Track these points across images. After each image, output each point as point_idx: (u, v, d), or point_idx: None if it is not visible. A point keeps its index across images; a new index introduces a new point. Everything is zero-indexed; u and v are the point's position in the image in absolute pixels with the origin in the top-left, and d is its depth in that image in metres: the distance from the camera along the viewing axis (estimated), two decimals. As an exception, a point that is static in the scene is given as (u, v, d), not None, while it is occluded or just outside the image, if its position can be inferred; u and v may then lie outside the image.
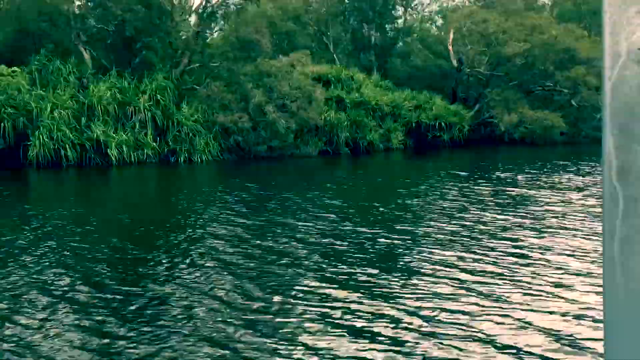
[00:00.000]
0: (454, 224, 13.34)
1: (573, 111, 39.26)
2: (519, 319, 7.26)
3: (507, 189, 19.07)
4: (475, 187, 19.71)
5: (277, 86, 25.62)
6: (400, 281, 9.02)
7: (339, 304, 7.86)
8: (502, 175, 23.42)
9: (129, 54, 27.23)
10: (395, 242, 11.61)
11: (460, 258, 10.33)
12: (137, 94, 24.60)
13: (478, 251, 10.81)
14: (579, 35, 40.50)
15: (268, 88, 25.82)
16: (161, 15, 26.25)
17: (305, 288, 8.68)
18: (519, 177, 22.19)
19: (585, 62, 37.14)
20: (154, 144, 24.16)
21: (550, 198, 16.89)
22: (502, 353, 6.37)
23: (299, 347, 6.47)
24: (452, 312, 7.54)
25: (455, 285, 8.79)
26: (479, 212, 14.90)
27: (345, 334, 6.83)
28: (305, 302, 8.01)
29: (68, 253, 10.91)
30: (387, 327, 7.05)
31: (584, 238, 11.75)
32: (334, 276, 9.30)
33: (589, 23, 53.68)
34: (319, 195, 17.40)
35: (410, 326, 7.06)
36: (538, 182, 20.46)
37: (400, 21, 46.32)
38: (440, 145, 35.94)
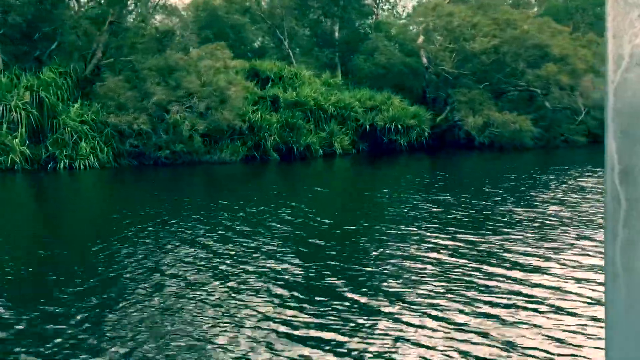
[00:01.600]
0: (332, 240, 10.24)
1: (548, 113, 35.88)
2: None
3: (430, 207, 15.88)
4: (384, 200, 16.58)
5: (182, 82, 22.52)
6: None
7: None
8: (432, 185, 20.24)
9: (29, 47, 24.32)
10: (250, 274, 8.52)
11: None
12: (10, 91, 21.50)
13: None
14: (557, 31, 37.09)
15: (174, 85, 22.74)
16: (55, 2, 23.27)
17: None
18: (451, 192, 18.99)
19: (559, 59, 33.72)
20: (23, 148, 20.89)
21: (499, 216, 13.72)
22: None
23: None
24: None
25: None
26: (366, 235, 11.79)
27: None
28: None
29: None
30: None
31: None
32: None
33: (577, 20, 50.46)
34: (184, 213, 14.36)
35: None
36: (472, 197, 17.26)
37: (368, 16, 43.23)
38: (397, 150, 32.74)
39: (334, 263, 9.85)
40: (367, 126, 32.29)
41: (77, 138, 21.83)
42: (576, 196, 17.18)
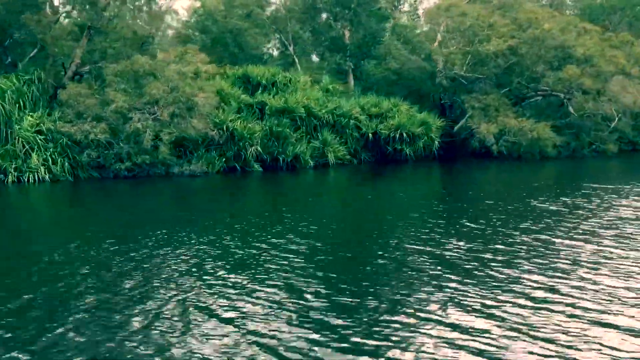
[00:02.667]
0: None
1: (575, 120, 32.75)
2: None
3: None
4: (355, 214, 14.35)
5: (147, 88, 20.80)
6: None
7: None
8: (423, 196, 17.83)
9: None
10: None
11: None
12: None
13: None
14: (585, 30, 33.98)
15: (138, 91, 21.06)
16: (26, 2, 22.02)
17: None
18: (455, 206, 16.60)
19: (583, 61, 30.64)
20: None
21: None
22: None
23: None
24: None
25: None
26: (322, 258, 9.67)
27: None
28: None
29: None
30: None
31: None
32: None
33: (614, 20, 46.85)
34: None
35: None
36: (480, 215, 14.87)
37: (384, 19, 40.91)
38: (402, 160, 30.33)
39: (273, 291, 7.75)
40: (370, 135, 30.01)
41: (29, 149, 20.42)
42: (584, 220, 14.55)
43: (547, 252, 10.83)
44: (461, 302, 8.03)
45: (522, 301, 8.06)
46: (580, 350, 6.53)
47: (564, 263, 10.04)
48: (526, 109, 34.19)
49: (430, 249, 11.08)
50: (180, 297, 8.28)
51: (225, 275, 9.36)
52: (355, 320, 7.37)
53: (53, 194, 19.27)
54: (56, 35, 23.20)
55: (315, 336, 6.84)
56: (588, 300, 8.14)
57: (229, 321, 7.35)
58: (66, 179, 20.90)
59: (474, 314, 7.58)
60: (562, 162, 30.98)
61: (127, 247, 11.19)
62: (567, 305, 7.90)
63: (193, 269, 9.72)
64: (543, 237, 12.08)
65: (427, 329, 7.09)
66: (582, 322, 7.31)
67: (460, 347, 6.58)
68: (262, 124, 24.79)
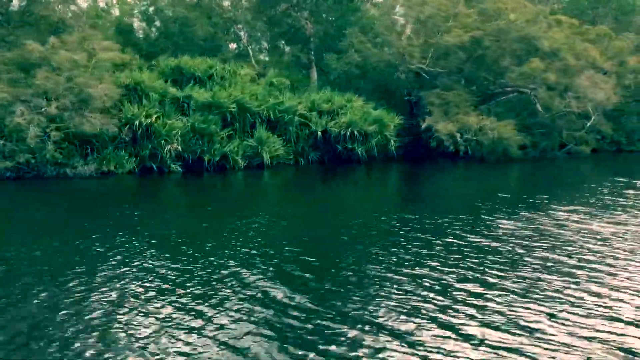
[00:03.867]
0: None
1: (544, 119, 30.30)
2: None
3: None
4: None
5: (34, 79, 18.58)
6: None
7: None
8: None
9: None
10: None
11: None
12: None
13: None
14: (557, 22, 31.56)
15: (24, 82, 18.85)
16: None
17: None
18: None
19: (550, 54, 28.18)
20: None
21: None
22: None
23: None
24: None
25: None
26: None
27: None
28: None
29: None
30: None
31: None
32: None
33: (600, 13, 44.27)
34: None
35: None
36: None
37: (351, 10, 38.53)
38: (354, 160, 28.05)
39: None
40: (320, 133, 27.72)
41: None
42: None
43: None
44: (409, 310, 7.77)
45: (460, 306, 7.88)
46: None
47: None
48: (496, 107, 31.82)
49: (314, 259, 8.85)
50: None
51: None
52: None
53: None
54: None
55: None
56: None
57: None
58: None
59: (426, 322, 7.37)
60: (529, 164, 28.60)
61: None
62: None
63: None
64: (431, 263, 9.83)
65: (374, 337, 6.91)
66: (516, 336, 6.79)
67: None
68: (185, 120, 22.53)
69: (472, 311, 7.74)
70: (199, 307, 7.76)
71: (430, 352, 6.56)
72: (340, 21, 37.36)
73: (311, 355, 6.37)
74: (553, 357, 6.42)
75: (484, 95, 31.76)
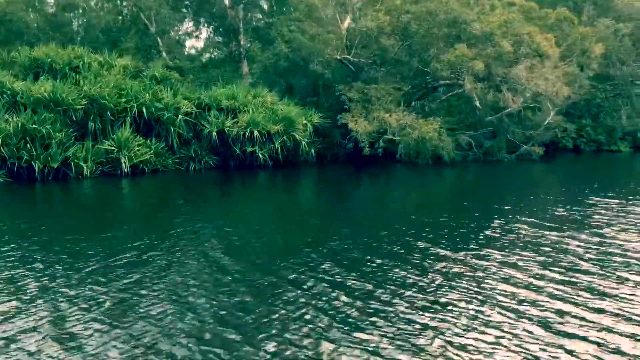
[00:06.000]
0: None
1: (484, 117, 26.13)
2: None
3: None
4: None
5: None
6: None
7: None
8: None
9: None
10: None
11: None
12: None
13: None
14: (503, 3, 27.33)
15: None
16: None
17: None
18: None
19: (481, 40, 23.94)
20: None
21: None
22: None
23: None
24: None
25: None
26: None
27: None
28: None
29: None
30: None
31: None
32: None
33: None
34: None
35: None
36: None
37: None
38: (258, 165, 24.22)
39: None
40: (214, 134, 23.95)
41: None
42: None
43: None
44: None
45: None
46: None
47: None
48: (434, 104, 27.79)
49: None
50: None
51: None
52: None
53: None
54: None
55: None
56: None
57: None
58: None
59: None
60: (463, 168, 24.52)
61: None
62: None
63: None
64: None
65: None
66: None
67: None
68: (15, 119, 18.89)
69: None
70: None
71: None
72: (273, 9, 33.71)
73: None
74: None
75: (419, 89, 27.72)
